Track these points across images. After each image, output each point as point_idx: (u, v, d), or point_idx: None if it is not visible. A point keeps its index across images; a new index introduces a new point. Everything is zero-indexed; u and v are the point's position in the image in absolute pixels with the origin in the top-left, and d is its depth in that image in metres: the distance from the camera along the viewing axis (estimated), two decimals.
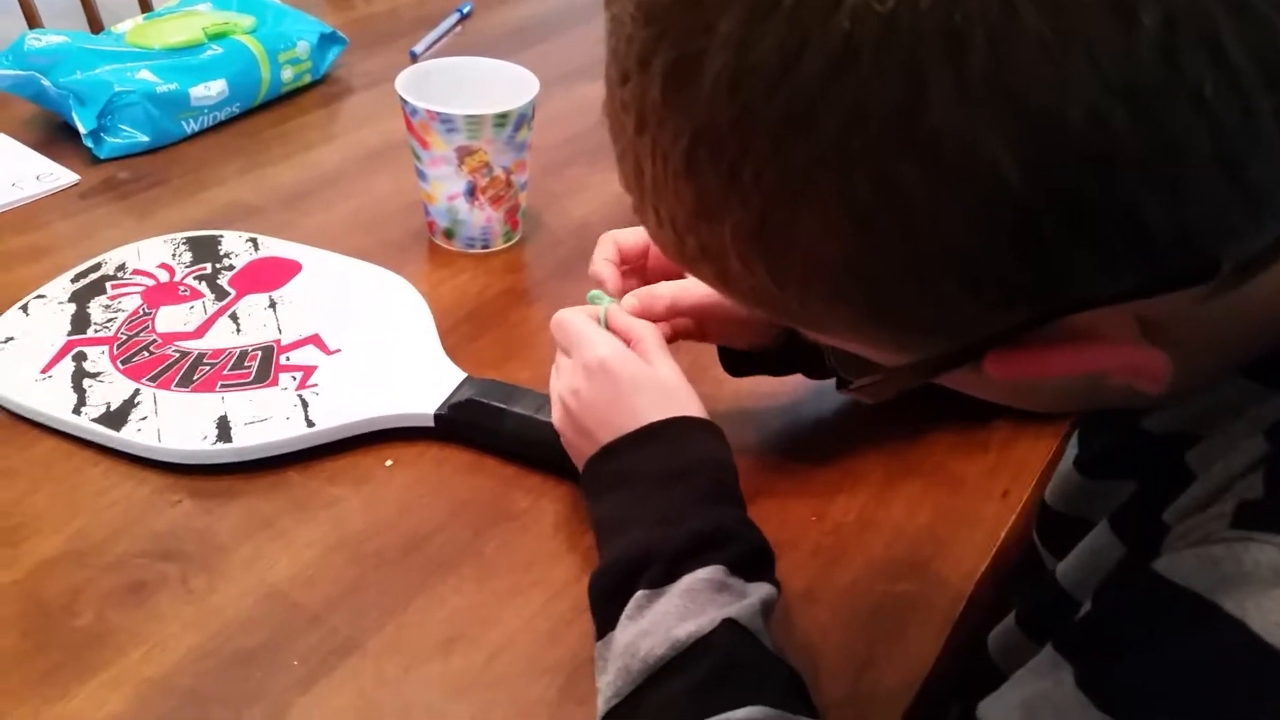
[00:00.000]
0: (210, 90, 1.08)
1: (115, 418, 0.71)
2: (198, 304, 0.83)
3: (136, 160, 1.04)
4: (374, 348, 0.79)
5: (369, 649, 0.60)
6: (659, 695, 0.52)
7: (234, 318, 0.81)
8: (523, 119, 0.88)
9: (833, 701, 0.58)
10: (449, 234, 0.93)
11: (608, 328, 0.67)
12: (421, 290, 0.85)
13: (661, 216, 0.37)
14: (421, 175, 0.91)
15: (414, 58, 1.29)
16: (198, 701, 0.57)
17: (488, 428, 0.72)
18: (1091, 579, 0.48)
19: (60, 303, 0.82)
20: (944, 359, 0.36)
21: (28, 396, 0.73)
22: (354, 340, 0.79)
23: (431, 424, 0.73)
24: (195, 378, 0.75)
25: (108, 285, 0.84)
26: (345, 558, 0.66)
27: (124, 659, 0.59)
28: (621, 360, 0.63)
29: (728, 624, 0.52)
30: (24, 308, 0.82)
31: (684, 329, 0.70)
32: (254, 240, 0.91)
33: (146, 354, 0.77)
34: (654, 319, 0.68)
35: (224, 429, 0.71)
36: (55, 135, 1.07)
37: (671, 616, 0.53)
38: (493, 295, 0.89)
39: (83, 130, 1.02)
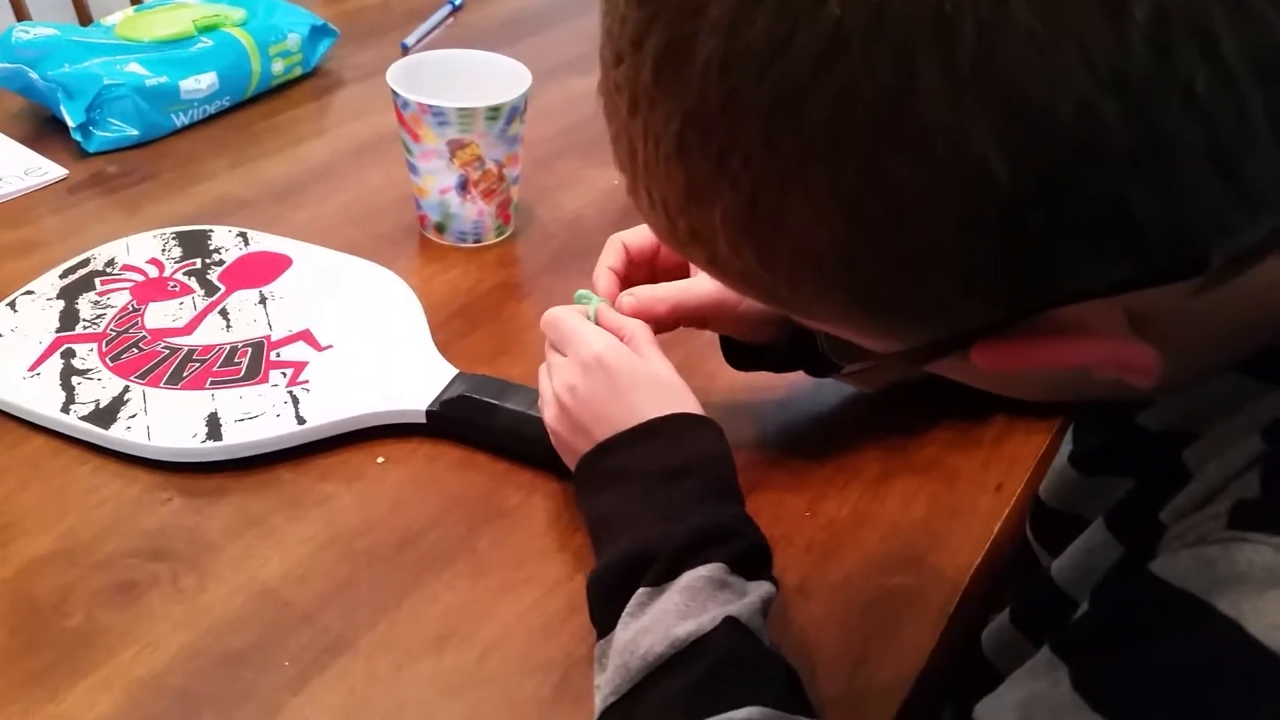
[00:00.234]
0: (200, 83, 1.07)
1: (104, 415, 0.71)
2: (187, 300, 0.82)
3: (125, 154, 1.04)
4: (365, 343, 0.79)
5: (361, 647, 0.60)
6: (658, 693, 0.51)
7: (224, 313, 0.81)
8: (515, 112, 0.87)
9: (829, 698, 0.58)
10: (440, 228, 0.93)
11: (598, 325, 0.66)
12: (413, 285, 0.85)
13: (654, 198, 0.37)
14: (413, 169, 0.90)
15: (405, 50, 1.28)
16: (189, 702, 0.57)
17: (480, 424, 0.71)
18: (1088, 578, 0.48)
19: (48, 299, 0.82)
20: (932, 348, 0.36)
21: (15, 394, 0.73)
22: (345, 336, 0.79)
23: (423, 420, 0.72)
24: (185, 375, 0.75)
25: (96, 281, 0.84)
26: (337, 555, 0.65)
27: (114, 659, 0.58)
28: (618, 356, 0.63)
29: (729, 623, 0.52)
30: (11, 304, 0.81)
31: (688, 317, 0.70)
32: (244, 235, 0.90)
33: (136, 350, 0.77)
34: (657, 323, 0.67)
35: (214, 426, 0.70)
36: (43, 129, 1.06)
37: (672, 615, 0.53)
38: (485, 290, 0.89)
39: (71, 124, 1.01)
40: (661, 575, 0.55)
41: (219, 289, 0.84)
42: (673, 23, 0.32)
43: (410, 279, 0.86)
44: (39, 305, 0.81)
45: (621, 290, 0.68)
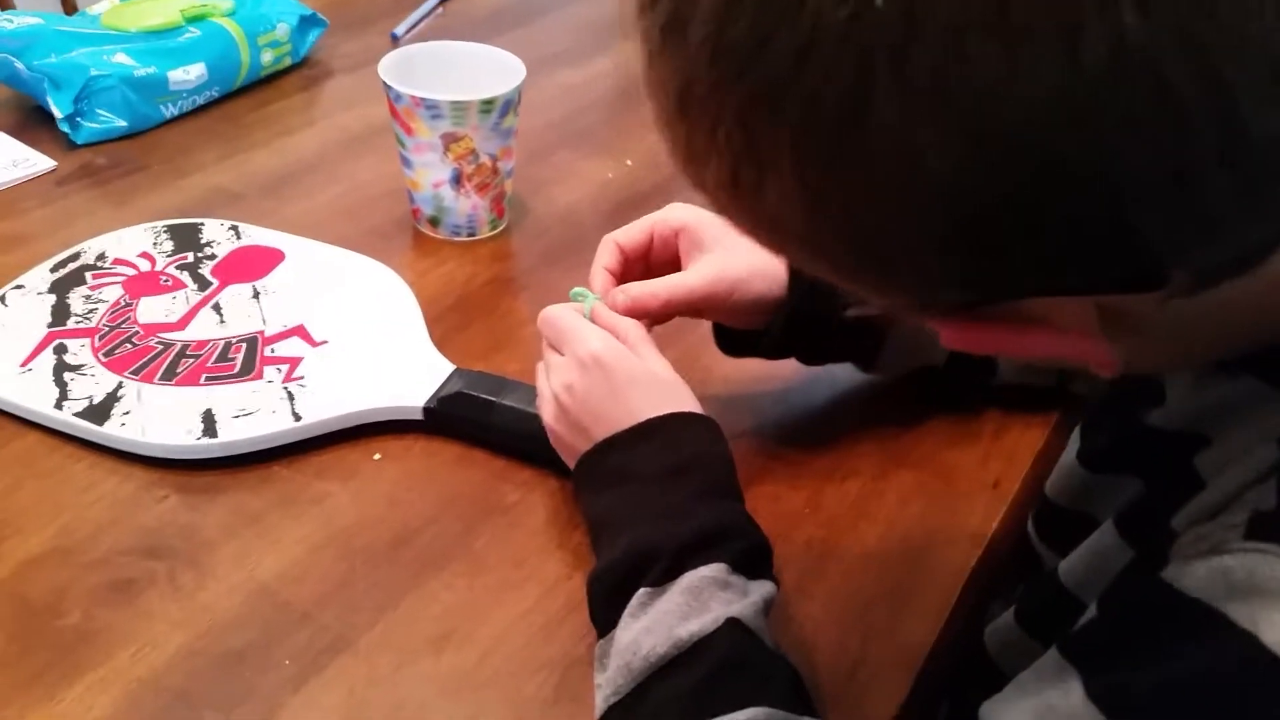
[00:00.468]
0: (189, 74, 1.06)
1: (98, 412, 0.70)
2: (180, 294, 0.82)
3: (114, 146, 1.02)
4: (361, 339, 0.78)
5: (360, 647, 0.60)
6: (660, 694, 0.51)
7: (217, 308, 0.80)
8: (509, 105, 0.87)
9: (828, 695, 0.58)
10: (434, 221, 0.92)
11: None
12: (407, 279, 0.84)
13: (669, 141, 0.39)
14: (406, 162, 0.90)
15: (395, 40, 1.27)
16: (188, 702, 0.57)
17: (478, 421, 0.71)
18: (1097, 580, 0.48)
19: (39, 293, 0.81)
20: (922, 309, 0.39)
21: (7, 390, 0.72)
22: (340, 331, 0.78)
23: (420, 417, 0.72)
24: (179, 370, 0.74)
25: (88, 275, 0.83)
26: (334, 553, 0.65)
27: (112, 659, 0.58)
28: (615, 354, 0.63)
29: (731, 623, 0.52)
30: (2, 299, 0.80)
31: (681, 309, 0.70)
32: (235, 228, 0.89)
33: (129, 346, 0.76)
34: (649, 318, 0.67)
35: (209, 423, 0.70)
36: (30, 120, 1.05)
37: (674, 615, 0.53)
38: (479, 284, 0.88)
39: (58, 115, 1.00)
40: (663, 575, 0.55)
41: (211, 283, 0.83)
42: None
43: (404, 273, 0.85)
44: (30, 300, 0.80)
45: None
